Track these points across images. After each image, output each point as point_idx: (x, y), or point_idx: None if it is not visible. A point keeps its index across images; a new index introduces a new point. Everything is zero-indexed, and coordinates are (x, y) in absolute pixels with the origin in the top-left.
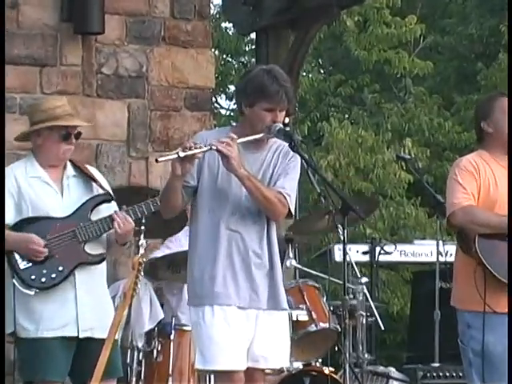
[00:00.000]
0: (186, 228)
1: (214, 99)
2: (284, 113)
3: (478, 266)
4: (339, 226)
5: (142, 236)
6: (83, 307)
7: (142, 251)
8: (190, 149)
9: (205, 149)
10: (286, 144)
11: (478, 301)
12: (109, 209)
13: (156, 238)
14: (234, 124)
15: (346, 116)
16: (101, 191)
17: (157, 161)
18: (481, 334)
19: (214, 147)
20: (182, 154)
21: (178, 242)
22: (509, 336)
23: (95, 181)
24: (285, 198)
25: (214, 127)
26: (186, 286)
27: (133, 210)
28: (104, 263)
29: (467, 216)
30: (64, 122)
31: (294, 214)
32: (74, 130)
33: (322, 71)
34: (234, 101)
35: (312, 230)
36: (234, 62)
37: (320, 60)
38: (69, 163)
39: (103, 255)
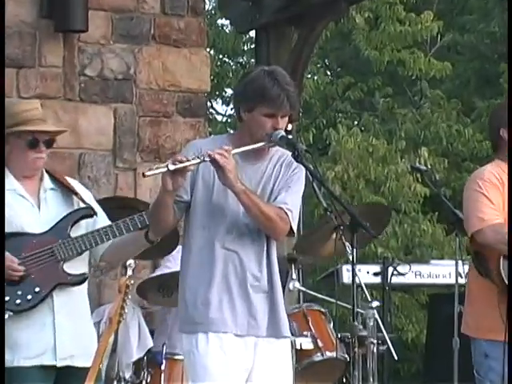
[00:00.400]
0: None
1: (209, 104)
2: (286, 119)
3: (503, 292)
4: (347, 243)
5: None
6: (62, 333)
7: (129, 272)
8: (181, 161)
9: (197, 161)
10: (289, 153)
11: (497, 328)
12: (91, 224)
13: (145, 259)
14: (232, 131)
15: (355, 123)
16: (82, 205)
17: (144, 175)
18: (500, 364)
19: (207, 158)
20: (172, 167)
21: (176, 262)
22: (509, 337)
23: (76, 194)
24: (286, 214)
25: (209, 135)
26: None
27: (117, 226)
28: (85, 284)
29: (498, 235)
30: (29, 127)
31: (295, 231)
32: (43, 137)
33: (328, 73)
34: (231, 105)
35: (317, 249)
36: (232, 63)
37: (326, 61)
38: (46, 174)
39: (85, 275)
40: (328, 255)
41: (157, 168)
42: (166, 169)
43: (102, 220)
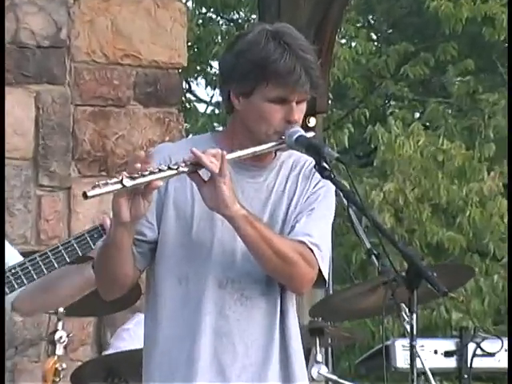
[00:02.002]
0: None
1: (186, 85)
2: (304, 106)
3: None
4: (403, 306)
5: (59, 324)
6: None
7: (59, 351)
8: (142, 174)
9: (169, 172)
10: (309, 159)
11: None
12: None
13: (88, 315)
14: (221, 129)
15: (417, 115)
16: None
17: (86, 196)
18: None
19: (184, 168)
20: (129, 183)
21: (134, 338)
22: (509, 336)
23: None
24: (312, 251)
25: (187, 135)
26: None
27: (43, 259)
28: None
29: None
30: None
31: (327, 279)
32: None
33: (374, 37)
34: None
35: (354, 312)
36: (221, 21)
37: (371, 17)
38: None
39: None
40: (363, 315)
41: (105, 184)
42: (119, 185)
43: (10, 255)
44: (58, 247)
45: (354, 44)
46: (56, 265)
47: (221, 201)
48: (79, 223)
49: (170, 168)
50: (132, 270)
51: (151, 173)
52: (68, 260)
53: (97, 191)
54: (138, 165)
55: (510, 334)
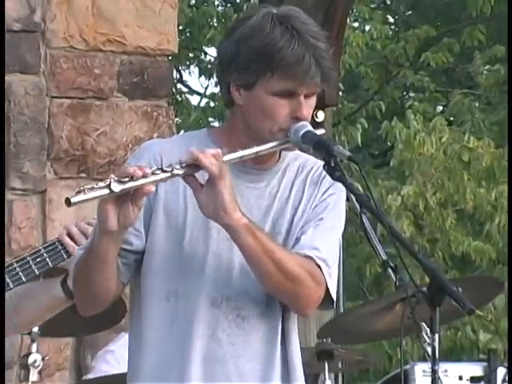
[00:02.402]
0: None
1: (177, 75)
2: (313, 100)
3: None
4: (423, 325)
5: (33, 346)
6: None
7: (33, 377)
8: (133, 177)
9: (163, 175)
10: (317, 162)
11: None
12: None
13: (66, 335)
14: (217, 124)
15: (439, 109)
16: None
17: (69, 202)
18: None
19: (179, 171)
20: (117, 188)
21: (120, 361)
22: (509, 339)
23: None
24: (319, 267)
25: (178, 131)
26: None
27: (10, 272)
28: None
29: None
30: None
31: (334, 299)
32: None
33: (390, 20)
34: (215, 78)
35: (368, 333)
36: (217, 2)
37: None
38: None
39: None
40: (379, 336)
41: (91, 189)
42: (107, 190)
43: None
44: (25, 258)
45: (367, 28)
46: (23, 278)
47: (220, 207)
48: (55, 232)
49: (163, 170)
50: (115, 284)
51: (142, 176)
52: (37, 272)
53: (81, 197)
54: (130, 168)
55: (509, 333)
